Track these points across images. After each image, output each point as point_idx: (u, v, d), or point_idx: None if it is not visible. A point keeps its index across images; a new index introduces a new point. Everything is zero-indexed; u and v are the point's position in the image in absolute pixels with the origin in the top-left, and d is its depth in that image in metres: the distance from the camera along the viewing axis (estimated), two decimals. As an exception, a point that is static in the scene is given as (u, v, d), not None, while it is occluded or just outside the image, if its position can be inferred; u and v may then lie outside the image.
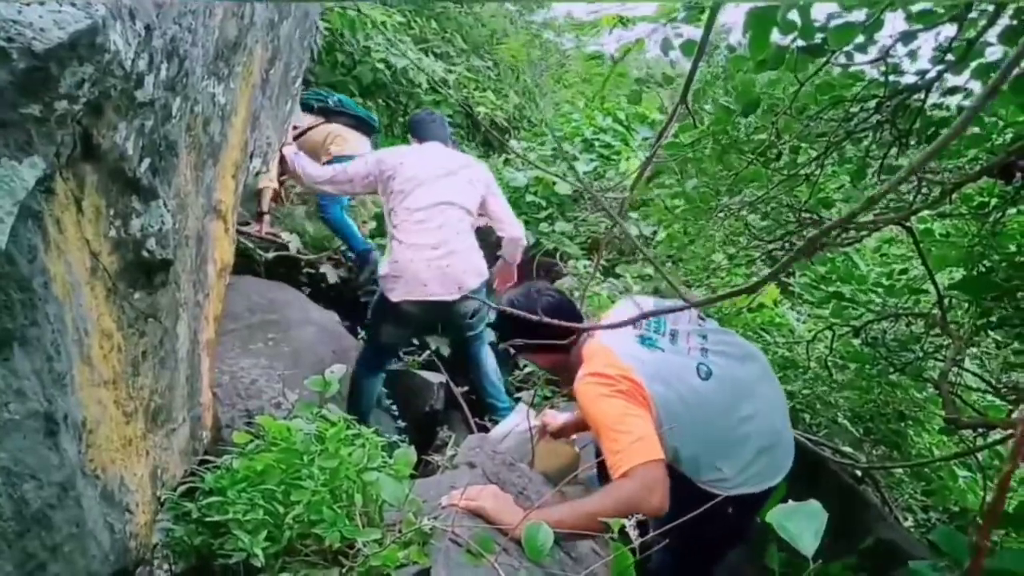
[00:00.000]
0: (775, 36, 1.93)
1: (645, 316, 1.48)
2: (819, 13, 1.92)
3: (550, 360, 2.19)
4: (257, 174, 3.41)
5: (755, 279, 3.84)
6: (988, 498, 2.95)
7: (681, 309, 1.95)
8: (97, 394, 1.60)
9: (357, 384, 3.63)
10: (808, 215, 2.66)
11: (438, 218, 3.43)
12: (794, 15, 1.87)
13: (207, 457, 2.29)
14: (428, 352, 4.71)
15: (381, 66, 6.71)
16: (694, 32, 1.98)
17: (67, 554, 1.38)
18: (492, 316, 3.49)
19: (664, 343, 2.05)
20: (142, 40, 1.27)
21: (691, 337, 2.12)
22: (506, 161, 6.44)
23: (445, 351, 4.88)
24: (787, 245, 2.83)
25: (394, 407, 4.21)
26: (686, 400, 1.94)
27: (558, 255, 5.13)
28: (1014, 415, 2.53)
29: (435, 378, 4.50)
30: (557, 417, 2.54)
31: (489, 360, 3.77)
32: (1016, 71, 1.88)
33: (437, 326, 3.74)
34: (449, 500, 1.78)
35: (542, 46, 9.39)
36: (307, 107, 4.88)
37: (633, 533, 1.94)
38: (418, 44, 7.64)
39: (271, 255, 4.88)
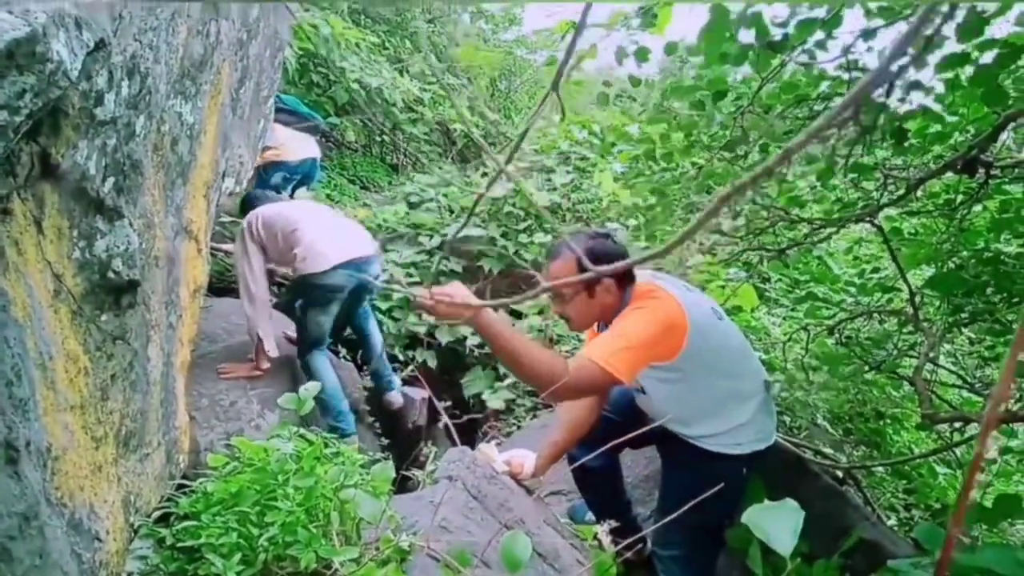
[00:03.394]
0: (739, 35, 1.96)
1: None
2: (781, 10, 1.95)
3: (607, 301, 2.14)
4: (230, 194, 3.38)
5: (732, 280, 3.87)
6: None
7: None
8: (63, 419, 1.57)
9: (309, 370, 3.63)
10: (780, 212, 2.68)
11: (318, 210, 3.85)
12: (751, 9, 1.89)
13: (185, 481, 2.24)
14: (411, 367, 4.69)
15: (356, 86, 6.71)
16: (648, 39, 2.02)
17: (31, 585, 1.33)
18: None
19: (690, 287, 2.20)
20: (94, 53, 1.25)
21: (698, 290, 2.28)
22: (484, 175, 6.46)
23: (432, 363, 4.86)
24: (758, 242, 2.85)
25: (377, 424, 4.18)
26: (708, 331, 2.04)
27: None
28: (986, 408, 2.55)
29: (418, 394, 4.46)
30: (526, 462, 2.52)
31: (377, 334, 4.16)
32: (977, 66, 1.92)
33: (356, 295, 3.83)
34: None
35: (515, 62, 9.46)
36: None
37: (606, 539, 1.94)
38: (393, 64, 7.66)
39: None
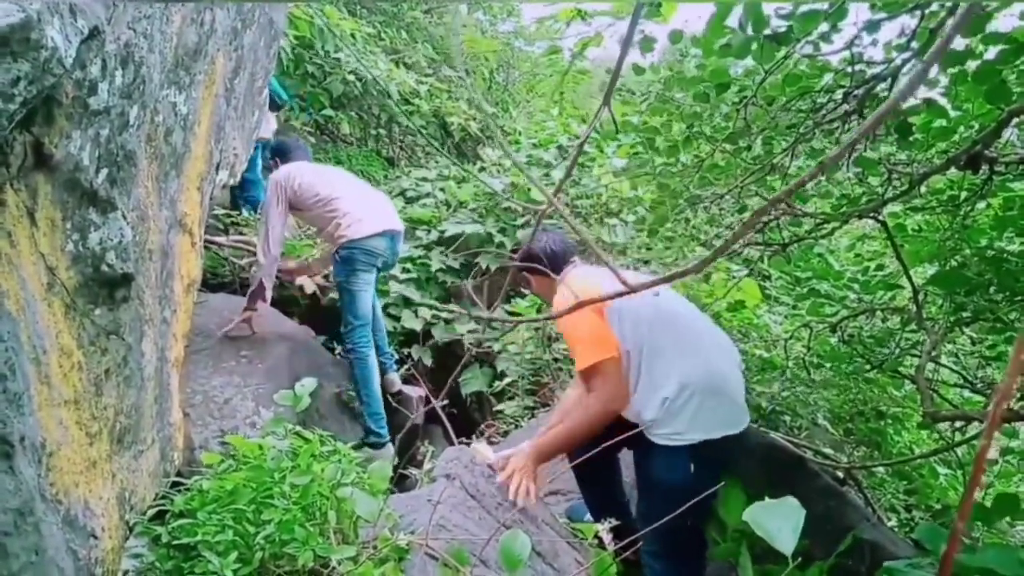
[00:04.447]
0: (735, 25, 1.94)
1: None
2: (784, 3, 1.93)
3: (544, 284, 2.51)
4: (224, 187, 3.35)
5: (734, 273, 3.86)
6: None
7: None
8: (57, 414, 1.54)
9: (363, 366, 3.74)
10: (784, 207, 2.66)
11: (353, 180, 4.09)
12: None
13: (180, 479, 2.22)
14: (408, 366, 4.66)
15: (351, 78, 6.66)
16: (652, 27, 2.02)
17: (25, 583, 1.31)
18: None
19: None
20: (88, 41, 1.22)
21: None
22: (481, 169, 6.42)
23: (428, 360, 4.83)
24: (761, 236, 2.84)
25: (374, 422, 4.15)
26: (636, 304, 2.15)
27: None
28: (989, 408, 2.54)
29: (415, 392, 4.44)
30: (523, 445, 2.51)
31: (379, 308, 4.31)
32: (980, 62, 1.91)
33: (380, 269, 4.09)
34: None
35: (513, 54, 9.40)
36: None
37: (607, 537, 1.93)
38: (389, 55, 7.60)
39: (245, 262, 4.79)
